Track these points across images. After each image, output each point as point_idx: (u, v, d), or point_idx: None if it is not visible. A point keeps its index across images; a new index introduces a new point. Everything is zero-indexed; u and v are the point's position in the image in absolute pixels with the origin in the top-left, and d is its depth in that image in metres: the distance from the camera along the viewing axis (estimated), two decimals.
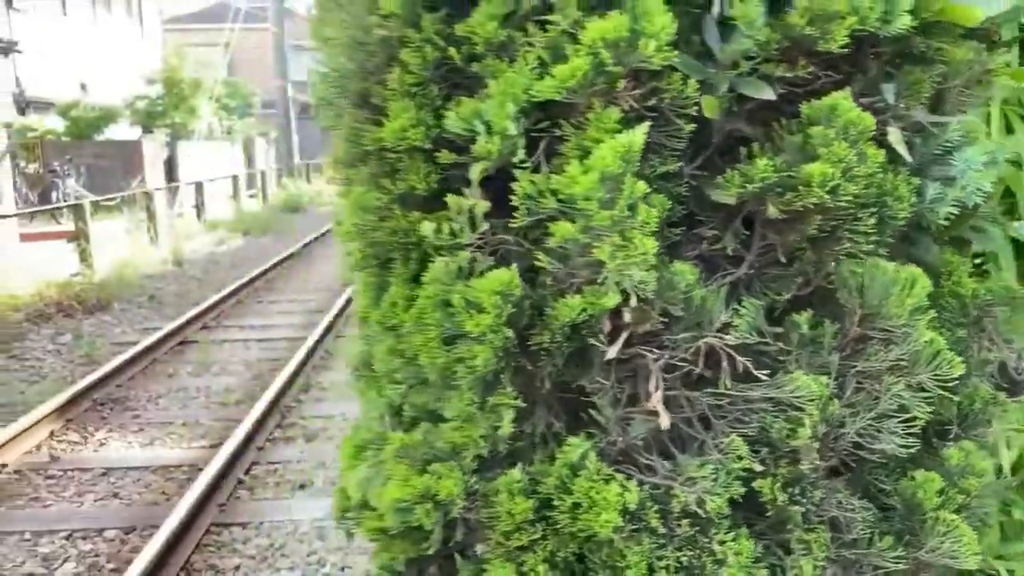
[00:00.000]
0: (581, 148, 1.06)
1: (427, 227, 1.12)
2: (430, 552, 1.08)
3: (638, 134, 1.02)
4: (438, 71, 1.13)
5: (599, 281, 1.04)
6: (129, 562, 3.69)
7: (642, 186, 1.02)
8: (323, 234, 15.78)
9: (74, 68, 21.94)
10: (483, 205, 1.09)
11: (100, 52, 23.87)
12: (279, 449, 5.16)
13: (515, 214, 1.09)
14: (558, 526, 1.05)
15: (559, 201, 1.04)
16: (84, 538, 4.03)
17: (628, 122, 1.05)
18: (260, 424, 5.36)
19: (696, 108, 1.08)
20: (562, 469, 1.06)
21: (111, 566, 3.78)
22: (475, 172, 1.09)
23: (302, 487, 4.56)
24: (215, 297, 9.53)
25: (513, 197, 1.09)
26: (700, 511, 1.02)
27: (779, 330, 1.11)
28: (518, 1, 1.07)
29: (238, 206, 18.12)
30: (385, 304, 1.16)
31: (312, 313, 9.13)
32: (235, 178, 19.49)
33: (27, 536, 4.04)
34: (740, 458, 1.04)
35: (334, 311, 8.52)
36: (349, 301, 9.11)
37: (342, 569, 3.72)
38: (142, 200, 12.78)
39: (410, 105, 1.12)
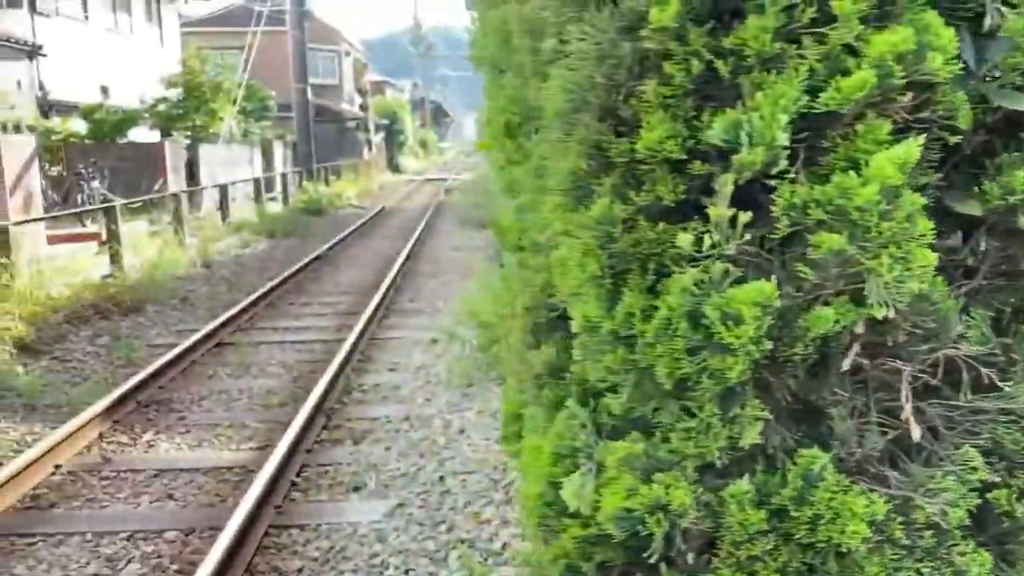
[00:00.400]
0: (849, 159, 1.05)
1: (684, 238, 1.10)
2: (651, 560, 1.07)
3: (913, 146, 1.01)
4: (697, 83, 1.12)
5: (864, 292, 1.03)
6: (192, 563, 3.71)
7: (918, 198, 1.01)
8: (346, 237, 15.83)
9: (95, 71, 22.08)
10: (744, 216, 1.07)
11: (120, 56, 24.03)
12: (328, 451, 5.16)
13: (776, 225, 1.07)
14: (793, 537, 1.04)
15: (827, 212, 1.03)
16: (145, 539, 4.04)
17: (895, 134, 1.05)
18: (307, 426, 5.36)
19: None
20: (797, 480, 1.04)
21: (175, 567, 3.78)
22: (727, 182, 1.08)
23: (356, 489, 4.56)
24: (246, 300, 9.56)
25: (757, 207, 1.07)
26: (943, 522, 1.01)
27: (1008, 341, 1.10)
28: (791, 14, 1.06)
29: (260, 208, 18.17)
30: (620, 315, 1.13)
31: (344, 315, 9.15)
32: (257, 181, 19.57)
33: (88, 537, 4.06)
34: (975, 469, 1.03)
35: (367, 314, 8.52)
36: (380, 305, 9.13)
37: (405, 572, 3.71)
38: (170, 202, 12.83)
39: (665, 117, 1.10)
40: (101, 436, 5.42)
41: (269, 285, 10.56)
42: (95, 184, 17.27)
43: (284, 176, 22.29)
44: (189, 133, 21.30)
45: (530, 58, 1.40)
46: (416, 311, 9.34)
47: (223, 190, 16.36)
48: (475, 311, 6.83)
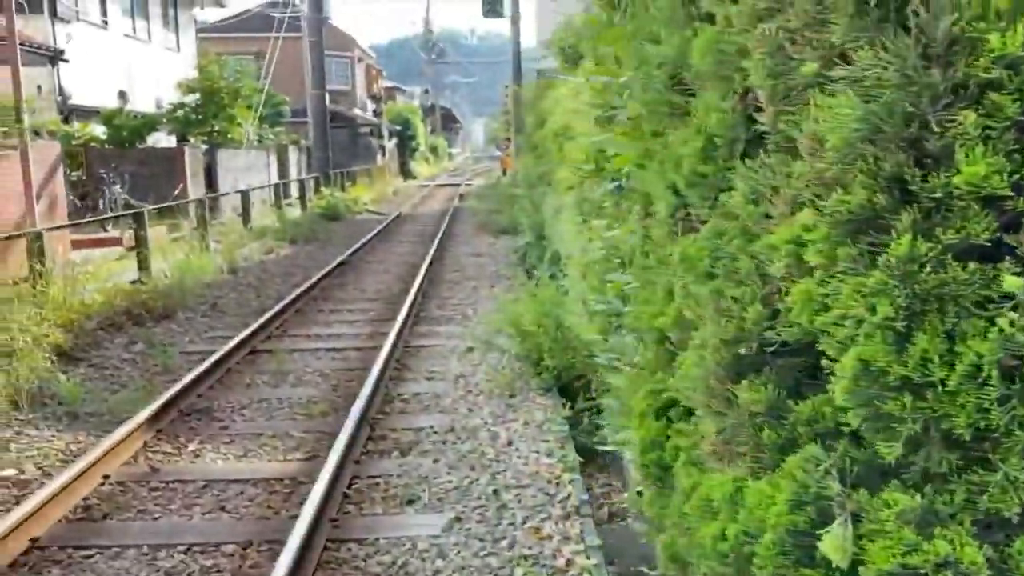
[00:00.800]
0: None
1: (1014, 281, 1.03)
2: None
3: None
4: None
5: None
6: None
7: None
8: (367, 242, 15.78)
9: (114, 77, 22.18)
10: None
11: (138, 61, 24.13)
12: (376, 463, 5.10)
13: None
14: None
15: None
16: (203, 553, 3.99)
17: None
18: (353, 437, 5.30)
19: None
20: None
21: None
22: None
23: (410, 502, 4.50)
24: (276, 307, 9.53)
25: None
26: None
27: None
28: None
29: (281, 214, 18.17)
30: (913, 360, 1.06)
31: (375, 322, 9.11)
32: (277, 186, 19.59)
33: (145, 550, 4.01)
34: None
35: (399, 321, 8.46)
36: (410, 312, 9.07)
37: None
38: (194, 208, 12.81)
39: (987, 150, 1.04)
40: (146, 445, 5.38)
41: (296, 292, 10.53)
42: (116, 189, 17.32)
43: (302, 182, 22.26)
44: (206, 139, 21.31)
45: (770, 82, 1.31)
46: (446, 318, 9.29)
47: (245, 196, 16.35)
48: (515, 321, 6.79)
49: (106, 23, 22.71)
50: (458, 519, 4.25)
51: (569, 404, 5.86)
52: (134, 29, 24.63)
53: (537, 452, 5.08)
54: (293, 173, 28.48)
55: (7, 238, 8.54)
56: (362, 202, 23.20)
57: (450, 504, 4.44)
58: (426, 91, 62.34)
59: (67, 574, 3.82)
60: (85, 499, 4.57)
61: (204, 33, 34.37)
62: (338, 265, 12.66)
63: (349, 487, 4.73)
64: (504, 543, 4.00)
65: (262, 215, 18.13)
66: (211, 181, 21.03)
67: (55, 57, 19.10)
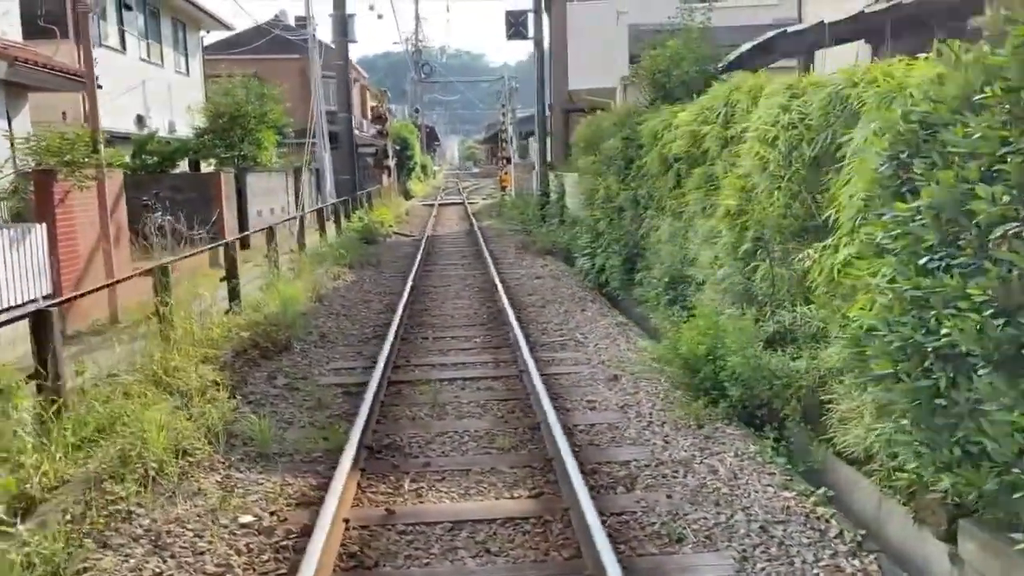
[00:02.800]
0: None
1: None
2: None
3: None
4: None
5: None
6: None
7: None
8: (418, 266, 15.67)
9: (133, 101, 22.01)
10: None
11: (153, 85, 23.97)
12: (611, 499, 5.00)
13: None
14: None
15: None
16: None
17: None
18: (568, 470, 5.23)
19: None
20: None
21: None
22: None
23: (679, 541, 4.45)
24: (383, 336, 9.46)
25: None
26: None
27: None
28: None
29: (324, 237, 18.03)
30: None
31: (490, 349, 9.06)
32: (320, 211, 19.48)
33: None
34: None
35: (521, 349, 8.41)
36: (521, 338, 9.01)
37: None
38: (267, 235, 12.68)
39: None
40: (359, 487, 5.28)
41: (389, 319, 10.46)
42: (156, 215, 17.09)
43: (336, 205, 22.14)
44: (233, 162, 21.09)
45: None
46: (559, 344, 9.24)
47: (301, 221, 16.19)
48: (677, 350, 6.77)
49: (124, 47, 22.50)
50: (745, 559, 4.21)
51: (758, 433, 5.88)
52: (148, 53, 24.43)
53: (771, 485, 5.05)
54: (305, 195, 28.35)
55: (142, 274, 8.31)
56: (387, 224, 23.08)
57: (723, 541, 4.39)
58: (416, 110, 62.37)
59: None
60: (342, 546, 4.47)
61: (207, 54, 34.14)
62: (410, 291, 12.55)
63: (603, 524, 4.65)
64: None
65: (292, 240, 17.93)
66: (242, 205, 20.88)
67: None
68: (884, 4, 8.95)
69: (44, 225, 10.52)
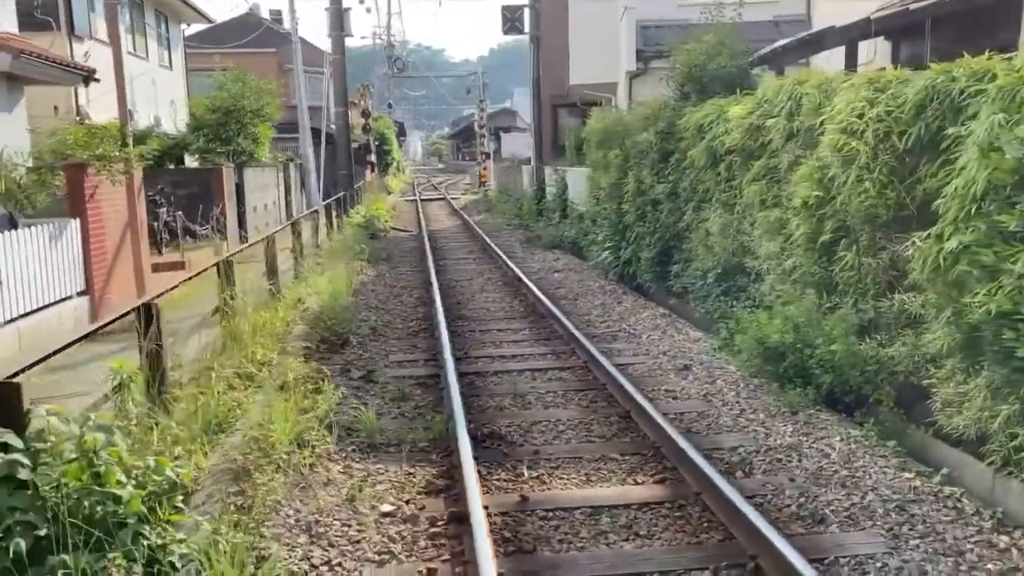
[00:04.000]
0: None
1: None
2: None
3: None
4: None
5: None
6: None
7: None
8: (431, 261, 15.62)
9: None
10: None
11: (139, 79, 23.56)
12: (737, 482, 5.11)
13: None
14: None
15: None
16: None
17: None
18: (686, 454, 5.32)
19: None
20: None
21: None
22: None
23: (821, 521, 4.57)
24: (432, 328, 9.48)
25: None
26: None
27: None
28: None
29: (331, 233, 17.90)
30: None
31: (543, 342, 9.11)
32: (328, 206, 19.34)
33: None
34: None
35: (579, 340, 8.49)
36: (573, 329, 9.08)
37: None
38: (292, 231, 12.58)
39: None
40: (480, 475, 5.30)
41: (429, 312, 10.48)
42: (162, 210, 16.81)
43: (338, 199, 21.97)
44: (227, 158, 20.82)
45: None
46: (609, 336, 9.33)
47: (316, 215, 16.07)
48: (759, 339, 6.90)
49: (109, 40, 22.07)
50: (895, 536, 4.33)
51: (849, 418, 6.04)
52: (134, 46, 23.97)
53: (888, 467, 5.19)
54: (294, 190, 28.13)
55: (207, 269, 8.12)
56: (383, 219, 22.98)
57: (865, 520, 4.51)
58: (389, 106, 62.01)
59: None
60: (493, 532, 4.50)
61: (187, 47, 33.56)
62: (439, 284, 12.53)
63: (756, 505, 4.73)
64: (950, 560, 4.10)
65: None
66: (240, 200, 20.62)
67: (89, 77, 18.53)
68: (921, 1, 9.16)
69: (78, 220, 10.34)
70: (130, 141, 11.65)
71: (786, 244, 7.64)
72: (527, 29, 23.62)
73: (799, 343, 6.56)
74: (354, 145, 39.90)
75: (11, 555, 3.12)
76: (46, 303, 9.31)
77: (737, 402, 6.65)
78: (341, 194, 23.34)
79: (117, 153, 10.84)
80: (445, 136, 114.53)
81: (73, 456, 3.49)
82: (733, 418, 6.31)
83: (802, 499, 4.83)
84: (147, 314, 5.54)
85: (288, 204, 27.49)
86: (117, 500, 3.45)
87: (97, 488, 3.43)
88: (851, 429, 5.82)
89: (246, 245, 11.44)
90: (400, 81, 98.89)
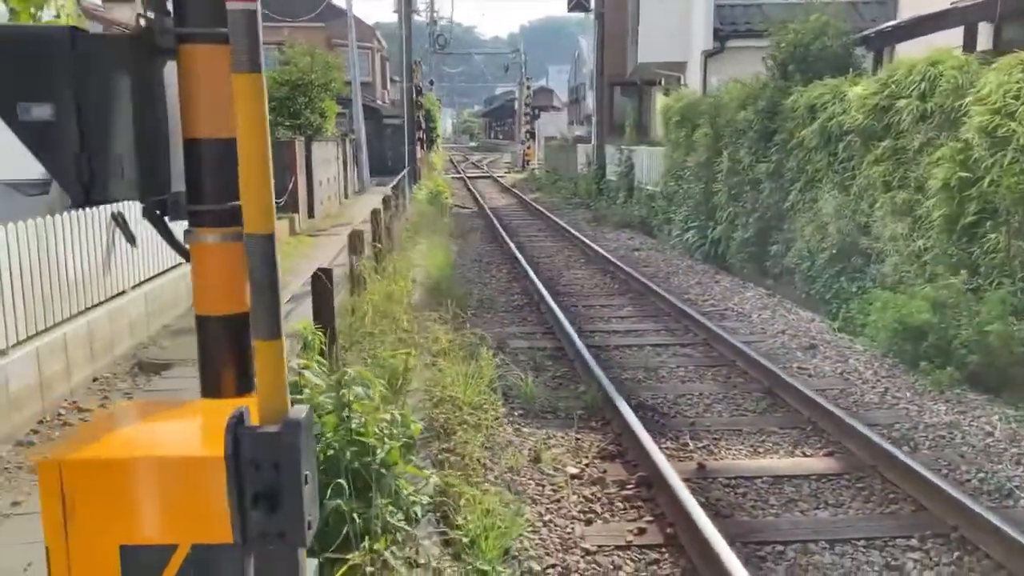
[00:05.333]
0: None
1: None
2: None
3: None
4: None
5: None
6: None
7: None
8: (509, 237, 15.73)
9: None
10: None
11: None
12: (915, 455, 5.20)
13: None
14: None
15: None
16: (908, 549, 4.08)
17: None
18: (848, 433, 5.40)
19: None
20: None
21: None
22: None
23: (1008, 495, 4.63)
24: (539, 302, 9.60)
25: None
26: None
27: None
28: None
29: (403, 208, 18.04)
30: None
31: (649, 319, 9.18)
32: (398, 182, 19.49)
33: (838, 550, 4.08)
34: None
35: (694, 318, 8.56)
36: (682, 305, 9.14)
37: None
38: (383, 204, 12.71)
39: None
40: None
41: (525, 287, 10.60)
42: None
43: (404, 176, 22.14)
44: (296, 132, 21.01)
45: None
46: (717, 314, 9.37)
47: (398, 185, 16.20)
48: (901, 319, 6.92)
49: None
50: None
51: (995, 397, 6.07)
52: None
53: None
54: (349, 165, 28.36)
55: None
56: (444, 195, 23.10)
57: None
58: (431, 83, 61.94)
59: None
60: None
61: None
62: (525, 259, 12.63)
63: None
64: None
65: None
66: (308, 173, 20.84)
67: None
68: None
69: None
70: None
71: (915, 225, 7.64)
72: (592, 6, 23.51)
73: (943, 323, 6.59)
74: (391, 122, 40.21)
75: None
76: (165, 268, 9.53)
77: (877, 380, 6.69)
78: (407, 169, 23.43)
79: None
80: (477, 114, 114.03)
81: (330, 408, 3.65)
82: (879, 396, 6.36)
83: (981, 475, 4.89)
84: (322, 278, 5.70)
85: (345, 179, 27.74)
86: (373, 451, 3.60)
87: (358, 439, 3.57)
88: (1006, 409, 5.86)
89: (363, 221, 11.54)
90: (440, 58, 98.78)
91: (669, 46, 19.48)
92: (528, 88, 46.57)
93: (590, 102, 30.65)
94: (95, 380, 7.12)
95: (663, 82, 23.49)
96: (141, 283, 8.74)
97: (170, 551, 1.70)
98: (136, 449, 1.74)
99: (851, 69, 9.99)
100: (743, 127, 11.43)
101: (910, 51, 10.08)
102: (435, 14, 61.50)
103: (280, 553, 1.73)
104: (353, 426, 3.62)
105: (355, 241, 7.90)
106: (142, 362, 7.70)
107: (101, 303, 7.62)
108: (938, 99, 7.44)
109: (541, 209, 21.51)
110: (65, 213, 7.16)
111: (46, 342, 6.41)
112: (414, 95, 37.92)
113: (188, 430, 1.90)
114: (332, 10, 41.59)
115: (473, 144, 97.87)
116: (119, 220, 8.20)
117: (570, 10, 23.84)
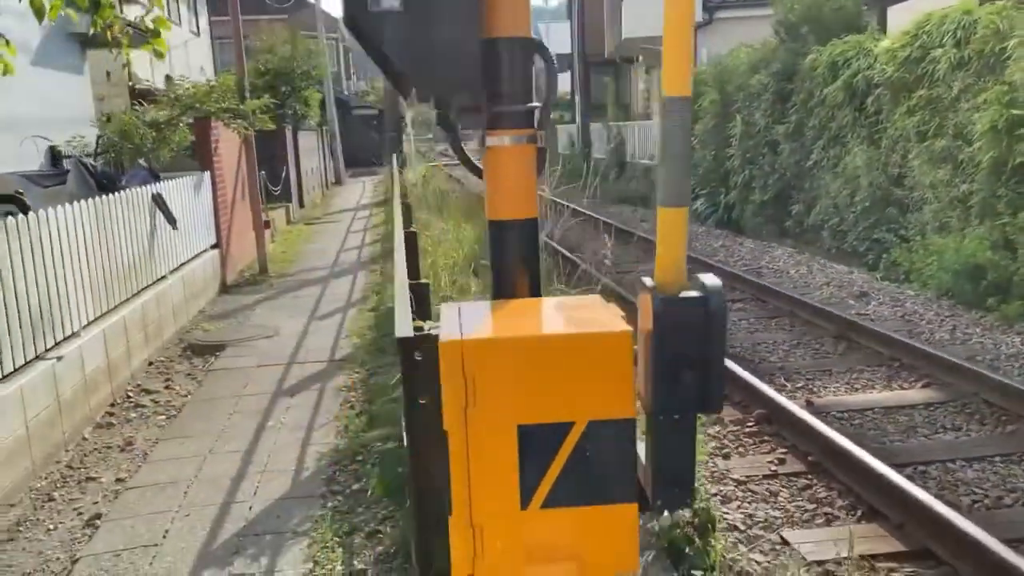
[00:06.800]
0: None
1: None
2: None
3: None
4: None
5: None
6: None
7: None
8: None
9: (162, 61, 21.43)
10: None
11: (176, 44, 23.34)
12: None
13: None
14: None
15: None
16: None
17: None
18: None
19: None
20: None
21: None
22: None
23: None
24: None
25: None
26: None
27: None
28: None
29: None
30: None
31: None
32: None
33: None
34: None
35: (716, 270, 8.63)
36: (719, 263, 9.23)
37: None
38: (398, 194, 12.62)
39: None
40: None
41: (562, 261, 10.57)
42: None
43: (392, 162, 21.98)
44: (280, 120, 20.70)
45: None
46: (754, 272, 9.45)
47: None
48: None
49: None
50: None
51: None
52: (168, 11, 23.73)
53: None
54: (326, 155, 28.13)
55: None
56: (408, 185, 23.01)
57: None
58: None
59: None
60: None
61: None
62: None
63: None
64: None
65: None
66: (296, 162, 20.61)
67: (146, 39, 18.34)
68: None
69: (208, 172, 10.36)
70: (247, 96, 11.61)
71: (956, 171, 7.79)
72: None
73: (1003, 261, 6.74)
74: (373, 111, 39.85)
75: None
76: (195, 253, 9.36)
77: (942, 321, 6.83)
78: (395, 156, 23.26)
79: (241, 107, 10.82)
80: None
81: None
82: (949, 333, 6.49)
83: None
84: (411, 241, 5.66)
85: (325, 169, 27.51)
86: None
87: None
88: None
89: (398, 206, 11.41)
90: None
91: (655, 20, 19.52)
92: None
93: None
94: (151, 364, 6.99)
95: (640, 59, 23.61)
96: (179, 267, 8.58)
97: (566, 429, 1.69)
98: (535, 329, 1.72)
99: (861, 28, 10.15)
100: (757, 90, 11.55)
101: (900, 13, 10.31)
102: None
103: (678, 424, 1.73)
104: None
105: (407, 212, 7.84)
106: (192, 345, 7.57)
107: (149, 286, 7.47)
108: (976, 45, 7.58)
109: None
110: (114, 195, 6.99)
111: (111, 323, 6.27)
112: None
113: (554, 316, 1.88)
114: (298, 2, 41.03)
115: (430, 136, 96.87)
116: (160, 202, 8.05)
117: None
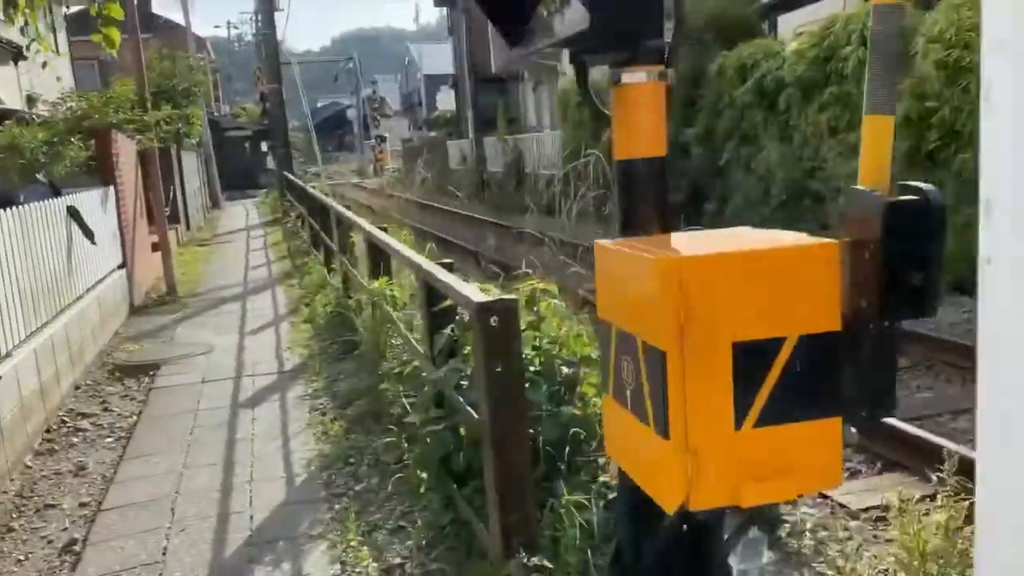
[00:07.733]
0: None
1: None
2: None
3: None
4: None
5: None
6: None
7: None
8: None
9: (21, 79, 20.26)
10: None
11: (35, 63, 21.97)
12: None
13: None
14: None
15: None
16: None
17: None
18: None
19: None
20: None
21: None
22: None
23: None
24: None
25: None
26: None
27: None
28: None
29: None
30: None
31: None
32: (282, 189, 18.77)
33: None
34: None
35: None
36: None
37: None
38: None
39: None
40: None
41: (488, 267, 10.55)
42: None
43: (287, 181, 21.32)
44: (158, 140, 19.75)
45: None
46: None
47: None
48: None
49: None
50: None
51: None
52: (24, 31, 22.30)
53: None
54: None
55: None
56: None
57: None
58: (262, 96, 60.01)
59: None
60: None
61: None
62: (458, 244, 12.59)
63: None
64: None
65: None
66: (182, 183, 19.72)
67: (18, 55, 17.27)
68: None
69: (112, 187, 9.73)
70: (149, 107, 10.97)
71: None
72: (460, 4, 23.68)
73: None
74: (247, 132, 38.72)
75: None
76: (107, 272, 8.75)
77: None
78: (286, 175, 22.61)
79: (145, 118, 10.23)
80: (298, 129, 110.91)
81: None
82: None
83: None
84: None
85: (205, 192, 26.47)
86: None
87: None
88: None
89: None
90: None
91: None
92: (374, 91, 46.07)
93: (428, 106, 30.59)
94: (78, 388, 6.47)
95: (526, 76, 24.02)
96: (94, 286, 7.99)
97: (778, 344, 1.65)
98: (741, 246, 1.68)
99: (758, 34, 10.73)
100: None
101: (789, 20, 10.98)
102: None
103: (886, 331, 1.72)
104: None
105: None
106: (120, 366, 7.07)
107: (70, 305, 6.92)
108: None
109: (434, 205, 21.41)
110: (32, 205, 6.42)
111: (40, 343, 5.75)
112: (265, 103, 36.61)
113: (744, 237, 1.84)
114: (160, 22, 39.35)
115: (301, 159, 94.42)
116: (76, 215, 7.47)
117: (436, 5, 23.85)
